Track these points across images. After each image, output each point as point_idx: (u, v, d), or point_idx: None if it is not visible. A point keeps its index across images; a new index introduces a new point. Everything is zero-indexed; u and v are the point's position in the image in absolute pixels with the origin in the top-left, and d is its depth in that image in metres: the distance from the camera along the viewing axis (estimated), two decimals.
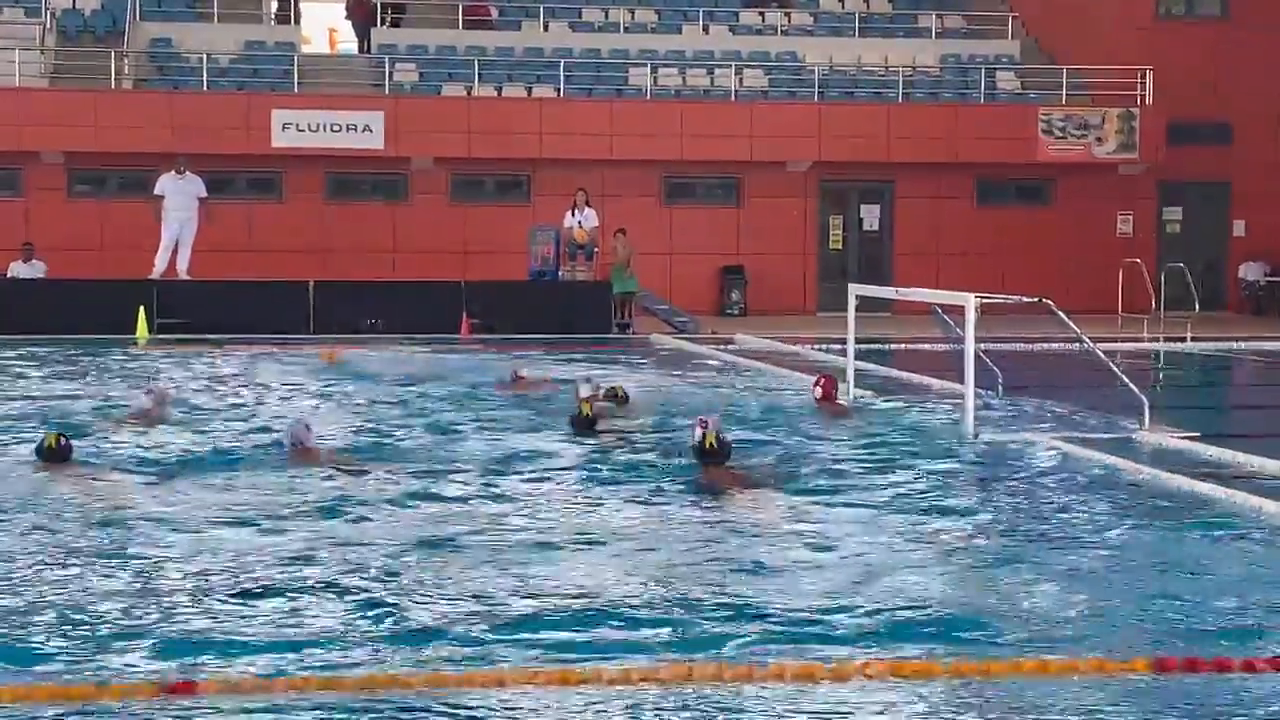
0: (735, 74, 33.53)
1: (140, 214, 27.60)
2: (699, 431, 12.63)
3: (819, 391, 15.89)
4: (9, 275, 27.37)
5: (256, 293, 26.14)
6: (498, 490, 11.38)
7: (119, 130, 30.25)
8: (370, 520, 10.13)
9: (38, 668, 6.83)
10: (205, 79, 31.77)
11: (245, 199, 31.25)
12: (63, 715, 6.20)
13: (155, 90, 31.98)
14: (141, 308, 24.63)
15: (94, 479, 11.52)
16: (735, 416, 15.54)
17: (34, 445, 11.80)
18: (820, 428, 14.60)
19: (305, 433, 12.43)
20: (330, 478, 11.56)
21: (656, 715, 6.38)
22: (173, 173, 26.77)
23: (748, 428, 14.72)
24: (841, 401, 15.94)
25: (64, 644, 7.22)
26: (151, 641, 7.26)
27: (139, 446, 13.29)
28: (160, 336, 24.21)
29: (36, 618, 7.67)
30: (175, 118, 30.50)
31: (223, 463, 12.34)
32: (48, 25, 32.71)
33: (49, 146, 30.49)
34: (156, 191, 26.78)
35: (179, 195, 26.55)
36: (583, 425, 13.84)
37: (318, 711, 6.31)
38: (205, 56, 31.96)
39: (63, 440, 11.55)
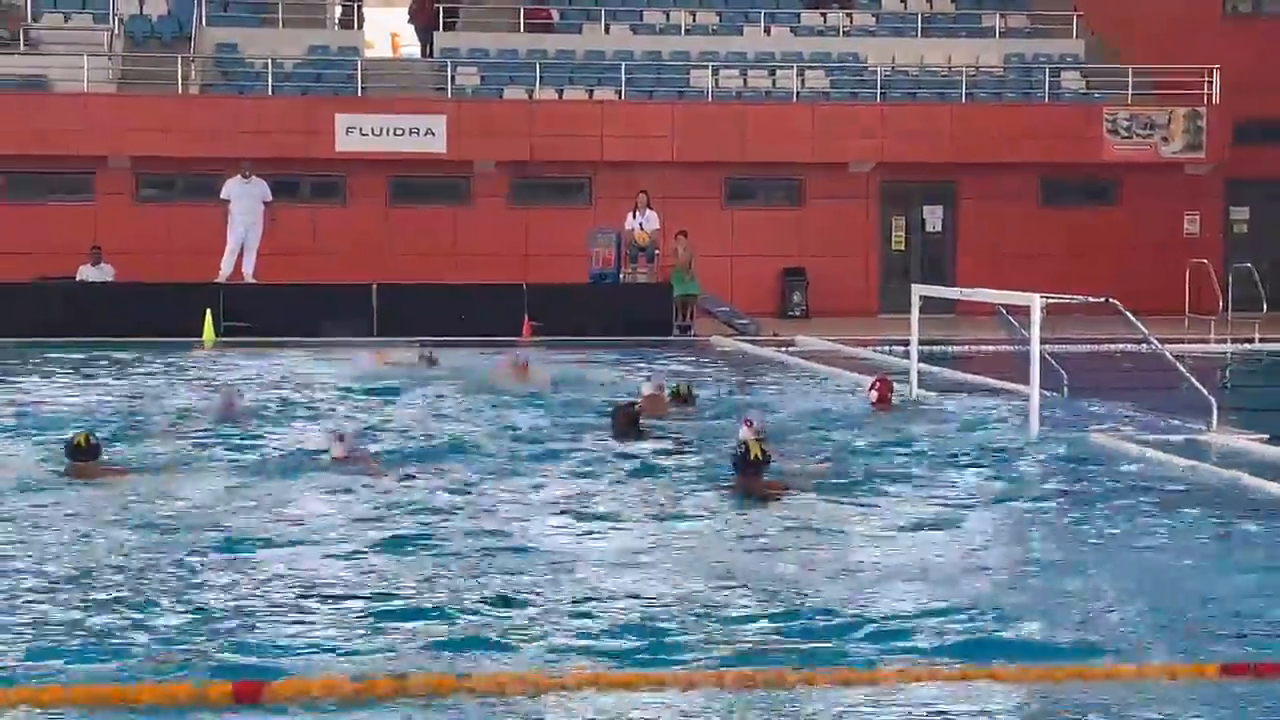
0: (797, 75, 33.44)
1: (206, 217, 27.79)
2: (744, 430, 12.64)
3: (874, 394, 15.80)
4: (78, 278, 27.64)
5: (320, 296, 26.27)
6: (546, 493, 11.39)
7: (185, 135, 30.47)
8: (419, 525, 10.14)
9: (92, 667, 6.90)
10: (270, 84, 31.96)
11: (309, 203, 31.41)
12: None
13: (221, 95, 32.22)
14: (208, 310, 24.81)
15: (141, 480, 11.65)
16: (791, 418, 15.53)
17: (64, 444, 11.89)
18: (878, 430, 14.54)
19: (339, 440, 12.46)
20: (373, 484, 11.59)
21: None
22: (238, 177, 26.97)
23: (804, 429, 14.70)
24: (898, 404, 15.86)
25: (126, 647, 7.29)
26: (214, 645, 7.32)
27: (202, 447, 13.40)
28: (226, 339, 24.39)
29: (98, 621, 7.75)
30: (240, 122, 30.69)
31: (270, 468, 12.41)
32: (115, 31, 32.98)
33: (117, 151, 30.74)
34: (223, 195, 26.99)
35: (244, 199, 26.76)
36: (627, 426, 13.72)
37: (377, 713, 6.35)
38: (270, 61, 32.15)
39: (91, 440, 11.68)
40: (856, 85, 33.68)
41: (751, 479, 10.99)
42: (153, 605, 8.02)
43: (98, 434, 12.03)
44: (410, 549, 9.39)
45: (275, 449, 13.33)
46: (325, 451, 12.38)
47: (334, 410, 16.18)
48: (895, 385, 16.16)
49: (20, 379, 19.23)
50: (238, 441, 13.66)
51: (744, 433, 12.73)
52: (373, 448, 13.18)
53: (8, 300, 25.56)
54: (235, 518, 10.32)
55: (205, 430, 14.35)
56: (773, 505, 10.77)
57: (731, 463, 11.28)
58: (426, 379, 18.73)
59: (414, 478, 11.94)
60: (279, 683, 6.58)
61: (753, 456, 11.01)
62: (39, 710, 6.28)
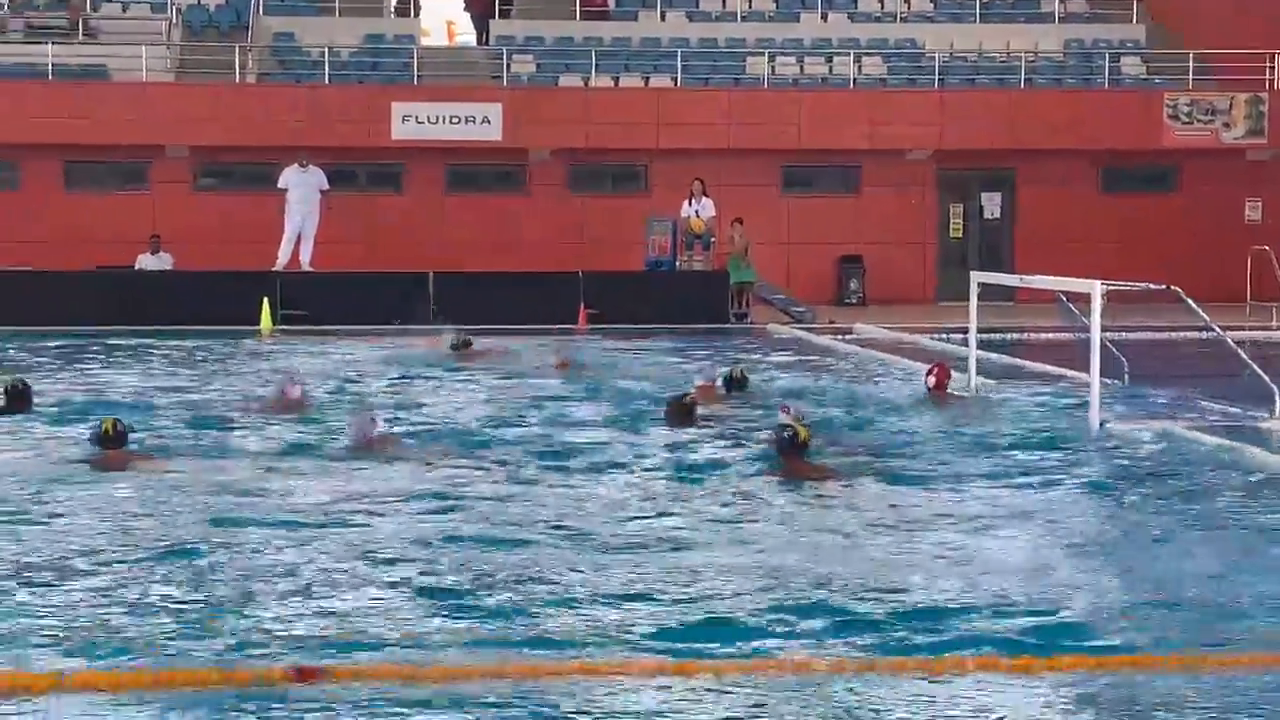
0: (854, 62, 33.29)
1: (263, 206, 27.91)
2: (781, 417, 12.59)
3: (931, 380, 15.69)
4: (137, 267, 27.81)
5: (377, 284, 26.33)
6: (594, 481, 11.36)
7: (243, 124, 30.61)
8: (470, 511, 10.15)
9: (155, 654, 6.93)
10: (327, 72, 32.07)
11: (365, 192, 31.49)
12: (193, 701, 6.28)
13: (278, 84, 32.34)
14: (265, 299, 24.92)
15: (173, 465, 11.71)
16: (848, 405, 15.47)
17: (90, 431, 11.88)
18: (936, 418, 14.46)
19: (370, 424, 12.44)
20: (419, 469, 11.59)
21: (785, 706, 6.34)
22: (295, 166, 27.06)
23: (859, 417, 14.64)
24: (954, 391, 15.75)
25: (188, 632, 7.31)
26: (270, 630, 7.34)
27: (248, 433, 13.44)
28: (283, 328, 24.49)
29: (153, 604, 7.79)
30: (297, 111, 30.81)
31: (314, 452, 12.45)
32: (173, 20, 33.17)
33: (174, 140, 30.91)
34: (280, 185, 27.08)
35: (301, 188, 26.84)
36: (681, 415, 13.68)
37: (430, 699, 6.34)
38: (326, 50, 32.25)
39: (119, 426, 11.69)
40: (914, 71, 33.50)
41: (798, 462, 10.88)
42: (208, 589, 8.04)
43: (125, 421, 11.98)
44: (464, 535, 9.38)
45: (320, 435, 13.32)
46: (363, 436, 12.38)
47: (376, 397, 16.18)
48: (953, 372, 16.06)
49: (79, 367, 19.36)
50: (284, 429, 13.68)
51: (782, 419, 12.72)
52: (410, 433, 13.24)
53: (68, 289, 25.74)
54: (280, 500, 10.37)
55: (254, 417, 14.39)
56: (823, 490, 10.69)
57: (776, 447, 11.19)
58: (468, 366, 18.81)
59: (455, 462, 11.95)
60: (339, 666, 6.59)
61: (802, 439, 10.93)
62: (102, 694, 6.31)
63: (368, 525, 9.66)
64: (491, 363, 19.36)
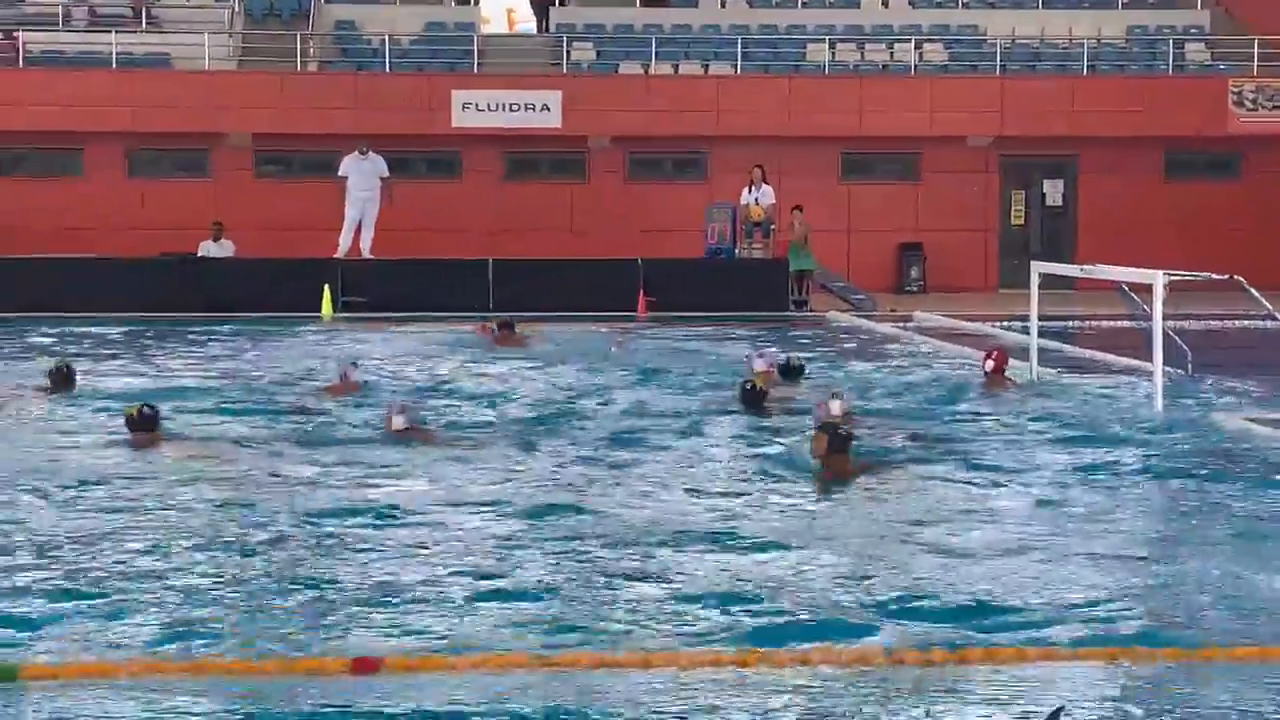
0: (914, 48, 33.13)
1: (325, 193, 28.02)
2: (834, 404, 12.56)
3: (990, 364, 15.61)
4: (199, 254, 27.99)
5: (437, 271, 26.41)
6: (651, 469, 11.35)
7: (304, 111, 30.76)
8: (521, 499, 10.18)
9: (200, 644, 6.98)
10: (387, 60, 32.17)
11: (425, 179, 31.58)
12: (245, 691, 6.32)
13: (339, 72, 32.47)
14: (326, 286, 25.04)
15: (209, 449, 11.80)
16: (907, 393, 15.42)
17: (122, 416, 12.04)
18: (996, 407, 14.38)
19: (399, 412, 12.47)
20: (471, 458, 11.64)
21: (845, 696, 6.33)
22: (355, 154, 27.15)
23: (920, 406, 14.58)
24: (1012, 378, 15.65)
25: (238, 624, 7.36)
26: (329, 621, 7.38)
27: (319, 418, 13.52)
28: (344, 315, 24.61)
29: (208, 595, 7.84)
30: (358, 99, 30.93)
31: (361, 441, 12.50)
32: (235, 9, 33.36)
33: (236, 128, 31.09)
34: (340, 173, 27.19)
35: (362, 176, 26.93)
36: (753, 400, 13.70)
37: (486, 689, 6.36)
38: (387, 38, 32.36)
39: (145, 410, 11.81)
40: (975, 58, 33.30)
41: (838, 458, 10.72)
42: (266, 580, 8.09)
43: (154, 406, 12.11)
44: (514, 523, 9.41)
45: (362, 422, 13.37)
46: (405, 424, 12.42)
47: (426, 385, 16.24)
48: (1010, 358, 15.96)
49: (137, 352, 19.52)
50: (332, 415, 13.74)
51: (835, 406, 12.70)
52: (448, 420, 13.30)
53: (131, 276, 25.94)
54: (335, 492, 10.42)
55: (308, 401, 14.47)
56: (872, 484, 10.60)
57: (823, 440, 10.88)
58: (509, 352, 18.92)
59: (502, 450, 11.99)
60: (398, 657, 6.62)
61: (839, 434, 10.75)
62: (162, 684, 6.36)
63: (414, 516, 9.70)
64: (531, 348, 19.47)
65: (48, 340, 20.57)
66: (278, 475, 10.99)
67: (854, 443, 10.90)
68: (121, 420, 12.08)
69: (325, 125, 30.40)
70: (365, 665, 6.48)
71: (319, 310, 24.66)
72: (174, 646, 6.85)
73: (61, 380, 14.73)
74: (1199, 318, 19.94)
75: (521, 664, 6.59)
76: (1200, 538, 9.14)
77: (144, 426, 11.74)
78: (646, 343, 20.34)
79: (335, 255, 26.64)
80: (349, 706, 6.14)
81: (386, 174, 27.09)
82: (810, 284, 27.81)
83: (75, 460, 11.50)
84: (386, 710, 6.09)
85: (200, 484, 10.55)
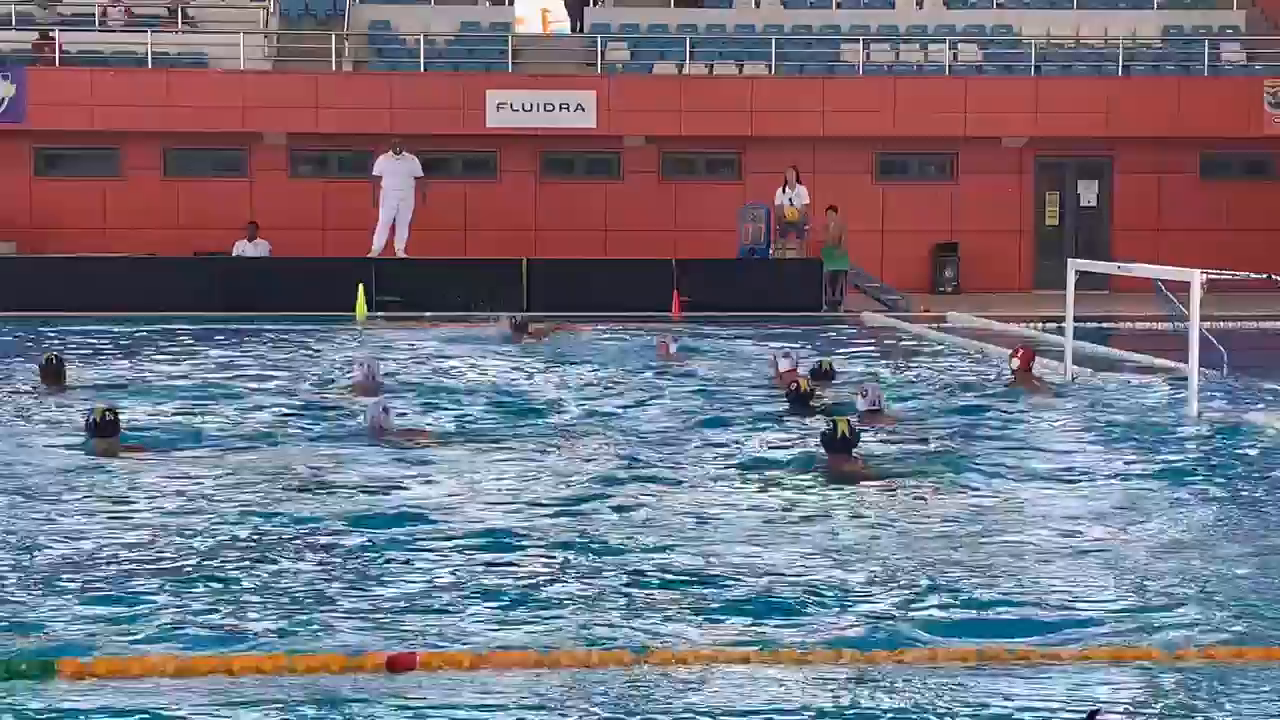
0: (949, 48, 33.04)
1: (359, 193, 28.11)
2: (860, 401, 12.56)
3: (1016, 362, 15.51)
4: (234, 254, 28.10)
5: (471, 271, 26.46)
6: (675, 468, 11.36)
7: (339, 112, 30.83)
8: (533, 498, 10.21)
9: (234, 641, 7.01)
10: (422, 60, 32.23)
11: (460, 179, 31.63)
12: (281, 688, 6.35)
13: (374, 72, 32.54)
14: (360, 286, 25.10)
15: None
16: (937, 393, 15.40)
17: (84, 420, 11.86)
18: (1028, 406, 14.33)
19: (383, 415, 12.43)
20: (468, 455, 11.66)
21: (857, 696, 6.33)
22: (389, 153, 27.22)
23: (951, 405, 14.55)
24: (1039, 376, 15.56)
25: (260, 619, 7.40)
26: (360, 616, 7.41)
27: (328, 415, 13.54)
28: (378, 314, 24.67)
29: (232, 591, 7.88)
30: (393, 99, 30.99)
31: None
32: (270, 9, 33.45)
33: (272, 128, 31.19)
34: (375, 172, 27.26)
35: (396, 175, 27.01)
36: (800, 401, 13.67)
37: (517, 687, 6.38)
38: (422, 38, 32.42)
39: (108, 415, 11.56)
40: (1010, 59, 33.21)
41: (842, 459, 10.62)
42: (293, 580, 8.13)
43: (118, 409, 11.91)
44: (529, 523, 9.44)
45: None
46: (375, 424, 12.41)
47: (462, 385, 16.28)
48: (1037, 356, 15.89)
49: (174, 353, 19.61)
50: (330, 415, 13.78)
51: (860, 403, 12.72)
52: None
53: (167, 275, 26.08)
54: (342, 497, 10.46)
55: (345, 399, 14.52)
56: (909, 483, 10.59)
57: (821, 443, 10.88)
58: (528, 349, 19.01)
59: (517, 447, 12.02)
60: (432, 654, 6.64)
61: (839, 435, 10.62)
62: (199, 680, 6.39)
63: (449, 510, 9.74)
64: (547, 346, 19.60)
65: (73, 339, 20.64)
66: (297, 477, 11.01)
67: (858, 442, 10.77)
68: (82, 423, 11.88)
69: (360, 125, 30.47)
70: (400, 662, 6.51)
71: (354, 310, 24.72)
72: (203, 645, 6.88)
73: (51, 375, 14.75)
74: (1235, 318, 19.82)
75: (557, 663, 6.61)
76: (1233, 539, 9.10)
77: (104, 432, 11.47)
78: (693, 343, 20.28)
79: (369, 255, 26.71)
80: (382, 704, 6.17)
81: (420, 173, 27.16)
82: (845, 284, 27.77)
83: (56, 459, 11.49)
84: (420, 708, 6.11)
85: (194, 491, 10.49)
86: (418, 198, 27.01)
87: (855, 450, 10.84)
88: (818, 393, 14.00)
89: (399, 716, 6.06)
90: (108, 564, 8.37)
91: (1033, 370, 15.54)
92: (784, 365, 15.71)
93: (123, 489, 10.45)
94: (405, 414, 13.42)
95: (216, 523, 9.34)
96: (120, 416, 11.76)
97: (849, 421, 10.97)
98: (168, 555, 8.56)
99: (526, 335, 20.56)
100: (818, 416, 13.03)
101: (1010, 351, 16.09)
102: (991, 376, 16.57)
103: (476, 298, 23.52)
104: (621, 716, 6.08)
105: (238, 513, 9.64)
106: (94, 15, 32.87)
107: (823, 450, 10.90)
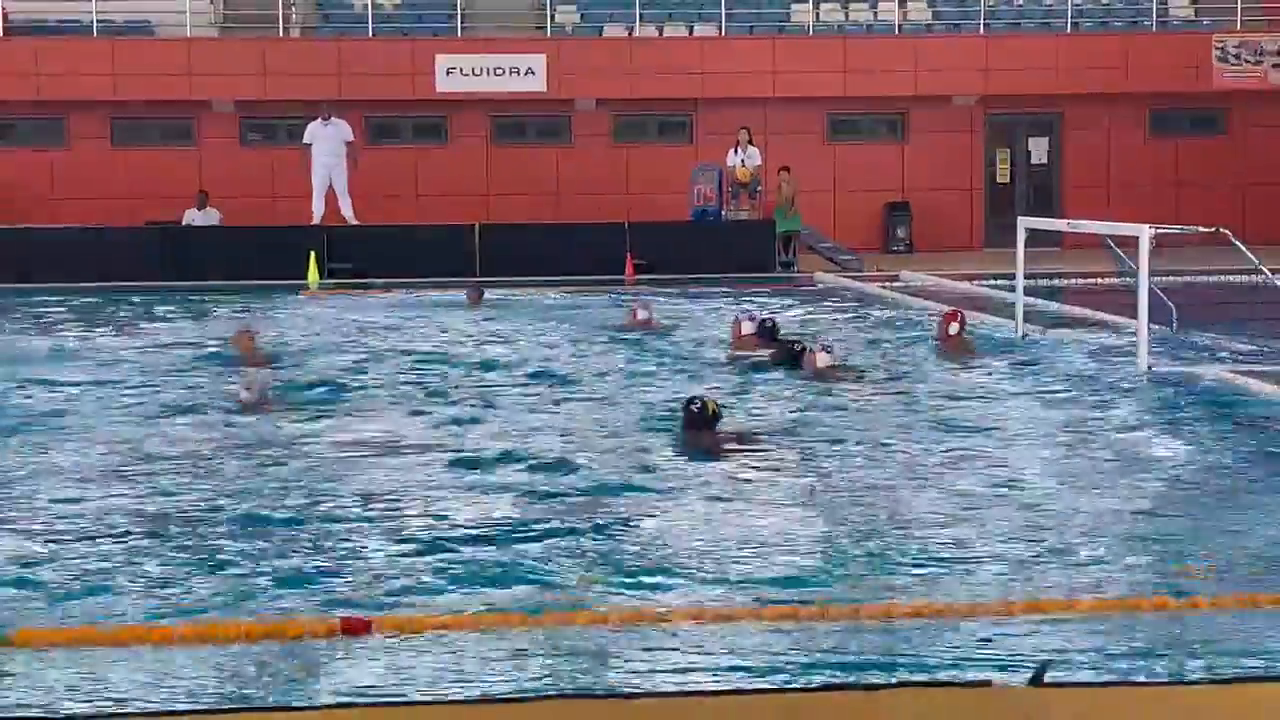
0: (899, 7, 33.06)
1: (309, 160, 27.96)
2: (822, 356, 12.58)
3: (954, 327, 15.17)
4: (184, 223, 27.93)
5: (423, 237, 26.39)
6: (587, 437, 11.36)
7: (287, 78, 30.63)
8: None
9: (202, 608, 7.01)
10: (370, 25, 32.05)
11: (411, 144, 31.52)
12: (240, 653, 6.35)
13: (322, 38, 32.33)
14: (312, 253, 25.00)
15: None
16: (888, 350, 15.47)
17: None
18: (978, 362, 14.39)
19: (246, 389, 12.31)
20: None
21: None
22: (319, 120, 27.03)
23: (902, 361, 14.62)
24: (968, 337, 15.36)
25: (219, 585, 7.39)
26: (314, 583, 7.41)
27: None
28: (330, 281, 24.58)
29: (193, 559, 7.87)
30: (342, 65, 30.82)
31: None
32: None
33: (220, 95, 30.98)
34: (305, 140, 27.07)
35: (326, 141, 26.79)
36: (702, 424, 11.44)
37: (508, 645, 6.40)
38: (370, 3, 32.23)
39: None
40: (959, 17, 33.26)
41: (703, 434, 10.31)
42: (259, 546, 8.13)
43: None
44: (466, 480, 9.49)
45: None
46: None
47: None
48: (966, 318, 15.70)
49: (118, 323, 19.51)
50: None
51: (822, 359, 12.74)
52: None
53: (116, 245, 25.90)
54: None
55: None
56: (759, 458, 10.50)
57: (684, 419, 10.55)
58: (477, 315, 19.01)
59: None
60: (386, 617, 6.65)
61: (710, 413, 10.33)
62: (140, 652, 6.38)
63: (381, 475, 9.75)
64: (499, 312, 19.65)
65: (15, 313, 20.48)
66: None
67: (718, 419, 10.47)
68: None
69: (309, 92, 30.26)
70: (354, 626, 6.51)
71: (305, 278, 24.62)
72: (152, 613, 6.87)
73: None
74: (1185, 273, 19.96)
75: (514, 623, 6.62)
76: (1183, 490, 9.18)
77: None
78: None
79: (312, 223, 26.55)
80: (337, 668, 6.18)
81: (351, 138, 26.95)
82: (797, 245, 27.82)
83: None
84: (377, 671, 6.13)
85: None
86: (350, 163, 26.84)
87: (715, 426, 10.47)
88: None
89: (358, 678, 6.08)
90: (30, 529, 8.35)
91: (963, 335, 15.29)
92: (747, 329, 15.71)
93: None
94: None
95: (129, 495, 9.33)
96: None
97: (715, 402, 10.66)
98: (93, 525, 8.54)
99: (481, 301, 20.52)
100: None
101: (944, 317, 15.77)
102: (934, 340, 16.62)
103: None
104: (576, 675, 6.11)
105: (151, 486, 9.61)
106: None
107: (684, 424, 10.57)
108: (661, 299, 20.48)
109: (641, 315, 17.58)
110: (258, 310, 20.36)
